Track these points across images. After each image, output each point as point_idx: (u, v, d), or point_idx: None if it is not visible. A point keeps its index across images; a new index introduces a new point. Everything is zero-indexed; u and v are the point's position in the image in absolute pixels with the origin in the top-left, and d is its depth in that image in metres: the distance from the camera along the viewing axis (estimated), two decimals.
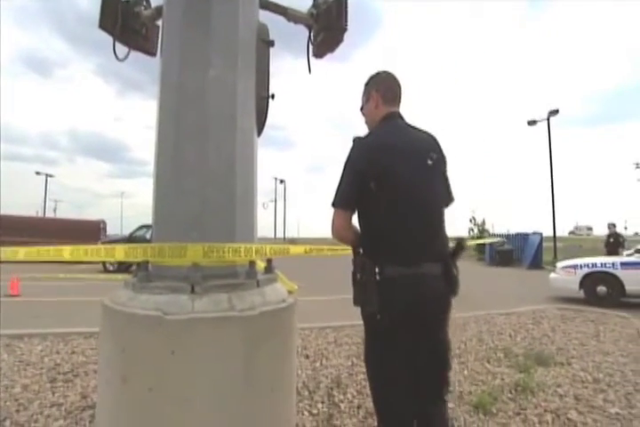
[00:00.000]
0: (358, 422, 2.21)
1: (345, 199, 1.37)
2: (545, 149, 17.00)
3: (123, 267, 12.37)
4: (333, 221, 1.37)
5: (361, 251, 1.35)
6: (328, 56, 2.38)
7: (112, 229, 26.44)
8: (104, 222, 21.14)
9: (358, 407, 2.40)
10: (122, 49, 2.10)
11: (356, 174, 1.35)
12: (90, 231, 17.38)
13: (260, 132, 1.91)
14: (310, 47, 2.24)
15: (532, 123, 17.95)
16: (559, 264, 7.13)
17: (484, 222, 24.08)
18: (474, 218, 24.47)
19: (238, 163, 1.60)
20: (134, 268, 1.56)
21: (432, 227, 1.39)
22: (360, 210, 1.38)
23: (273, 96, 1.98)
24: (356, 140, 1.42)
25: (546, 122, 17.17)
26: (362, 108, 1.60)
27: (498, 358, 3.35)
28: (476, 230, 24.07)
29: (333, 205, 1.37)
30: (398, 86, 1.54)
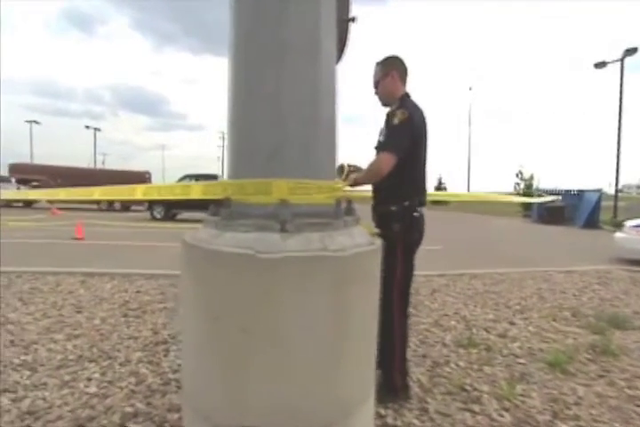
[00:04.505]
0: (426, 371, 2.18)
1: (402, 149, 1.73)
2: (609, 97, 15.10)
3: (169, 214, 12.97)
4: (383, 161, 1.72)
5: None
6: None
7: (154, 181, 27.51)
8: (149, 173, 22.01)
9: (424, 356, 2.36)
10: None
11: (412, 135, 1.76)
12: (137, 181, 18.16)
13: (339, 58, 1.68)
14: None
15: (600, 65, 15.66)
16: (628, 223, 6.52)
17: (531, 177, 22.54)
18: (521, 173, 22.94)
19: (321, 90, 1.39)
20: (211, 207, 1.46)
21: None
22: (402, 163, 1.73)
23: (354, 19, 1.71)
24: (409, 108, 1.79)
25: (618, 64, 15.00)
26: (377, 83, 1.93)
27: (565, 318, 3.19)
28: (522, 186, 22.67)
29: (390, 150, 1.73)
30: (407, 72, 1.95)
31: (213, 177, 14.31)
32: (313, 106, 1.39)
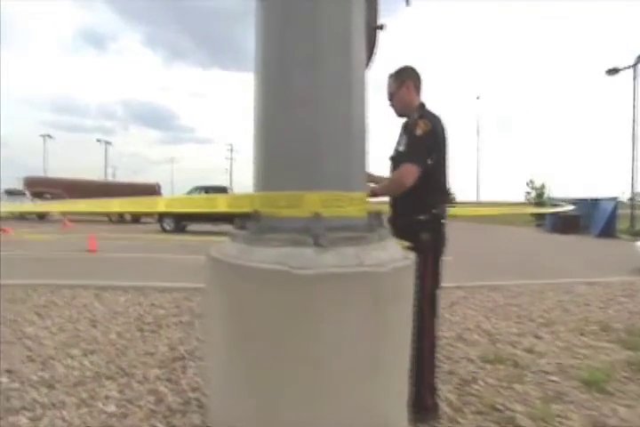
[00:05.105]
0: (454, 389, 2.08)
1: (423, 160, 1.73)
2: (622, 105, 14.96)
3: (179, 226, 13.01)
4: (406, 173, 1.71)
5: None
6: None
7: (164, 192, 27.82)
8: (159, 185, 22.29)
9: (450, 373, 2.27)
10: None
11: (431, 145, 1.75)
12: (147, 193, 18.42)
13: (367, 65, 1.66)
14: None
15: (612, 71, 15.58)
16: None
17: (542, 186, 22.29)
18: (532, 181, 22.72)
19: (354, 96, 1.35)
20: (236, 220, 1.42)
21: None
22: (426, 173, 1.73)
23: (382, 27, 1.71)
24: (429, 117, 1.79)
25: (630, 70, 14.90)
26: (392, 94, 1.91)
27: (593, 332, 3.06)
28: (533, 194, 22.41)
29: (413, 161, 1.72)
30: (421, 81, 1.93)
31: (223, 189, 14.41)
32: (346, 112, 1.34)
